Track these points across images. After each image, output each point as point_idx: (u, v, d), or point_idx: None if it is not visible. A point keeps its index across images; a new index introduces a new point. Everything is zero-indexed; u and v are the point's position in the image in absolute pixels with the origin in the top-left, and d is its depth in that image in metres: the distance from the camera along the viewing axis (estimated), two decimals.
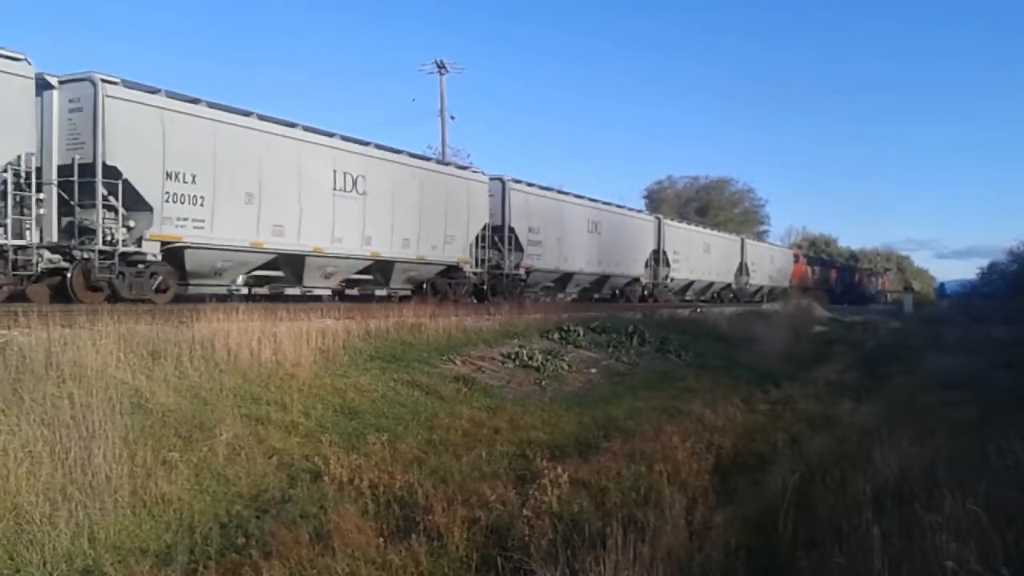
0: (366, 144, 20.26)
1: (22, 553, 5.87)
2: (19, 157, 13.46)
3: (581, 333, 19.26)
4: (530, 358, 15.72)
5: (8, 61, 13.23)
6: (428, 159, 23.77)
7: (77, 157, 14.15)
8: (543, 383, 14.67)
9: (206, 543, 6.45)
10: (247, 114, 17.24)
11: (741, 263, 47.56)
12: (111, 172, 14.24)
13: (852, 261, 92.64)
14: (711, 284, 43.73)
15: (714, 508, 7.52)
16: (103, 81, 14.21)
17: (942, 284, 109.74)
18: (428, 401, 11.78)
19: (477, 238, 24.34)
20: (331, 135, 19.25)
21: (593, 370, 16.89)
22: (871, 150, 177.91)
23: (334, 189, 18.91)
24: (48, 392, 7.84)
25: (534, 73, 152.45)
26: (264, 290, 18.61)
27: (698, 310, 31.51)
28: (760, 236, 71.45)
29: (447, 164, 24.17)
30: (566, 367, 16.08)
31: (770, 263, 53.72)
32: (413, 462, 8.88)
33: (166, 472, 7.31)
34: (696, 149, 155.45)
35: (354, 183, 19.45)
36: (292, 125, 18.33)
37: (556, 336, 18.68)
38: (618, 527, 6.10)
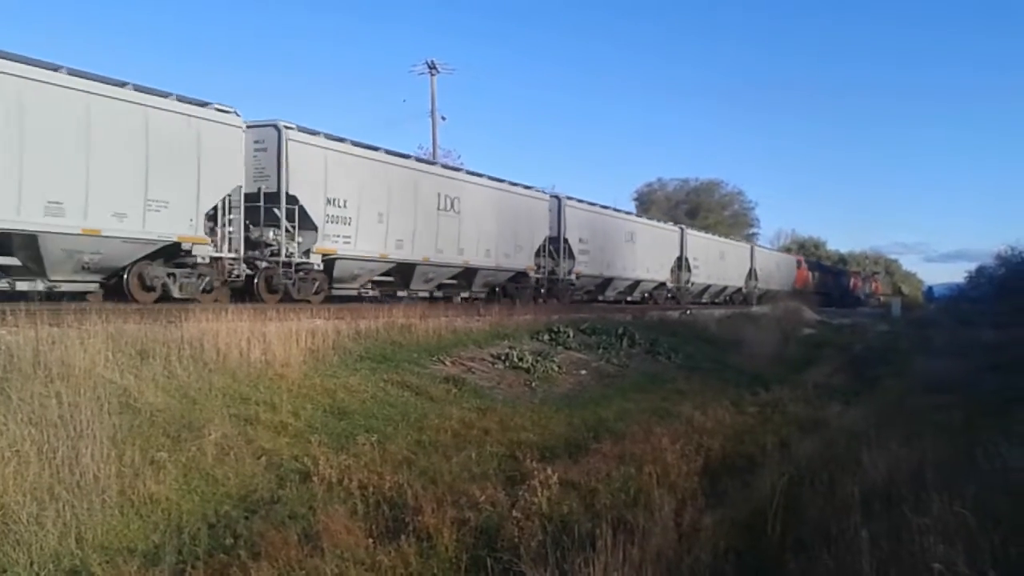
0: (459, 170, 24.74)
1: (9, 553, 5.84)
2: (233, 189, 16.69)
3: (571, 335, 19.28)
4: (520, 359, 15.72)
5: (226, 114, 16.49)
6: (502, 180, 26.44)
7: (263, 187, 17.66)
8: (533, 384, 14.68)
9: (194, 543, 6.43)
10: (376, 148, 20.97)
11: (751, 269, 50.22)
12: (291, 199, 17.89)
13: (841, 264, 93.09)
14: (725, 288, 46.71)
15: (703, 510, 7.54)
16: (285, 127, 17.81)
17: (930, 287, 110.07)
18: (418, 402, 11.77)
19: (539, 248, 28.01)
20: (433, 163, 23.97)
21: (583, 372, 16.91)
22: (861, 153, 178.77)
23: (438, 209, 22.68)
24: (36, 391, 7.80)
25: (525, 74, 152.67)
26: (375, 292, 21.99)
27: (688, 312, 31.61)
28: (749, 238, 71.83)
29: (516, 185, 27.10)
30: (556, 368, 16.10)
31: (776, 269, 56.44)
32: (403, 463, 8.87)
33: (154, 472, 7.29)
34: (686, 151, 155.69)
35: (451, 203, 23.16)
36: (407, 156, 22.80)
37: (546, 337, 18.70)
38: (608, 528, 6.12)
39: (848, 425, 12.04)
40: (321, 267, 18.86)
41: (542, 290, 28.47)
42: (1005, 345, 24.27)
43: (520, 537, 6.57)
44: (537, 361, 15.91)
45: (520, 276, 26.97)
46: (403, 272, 21.94)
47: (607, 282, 33.08)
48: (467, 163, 42.46)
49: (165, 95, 15.26)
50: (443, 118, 41.77)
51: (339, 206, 19.09)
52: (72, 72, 13.77)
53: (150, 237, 14.97)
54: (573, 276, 29.79)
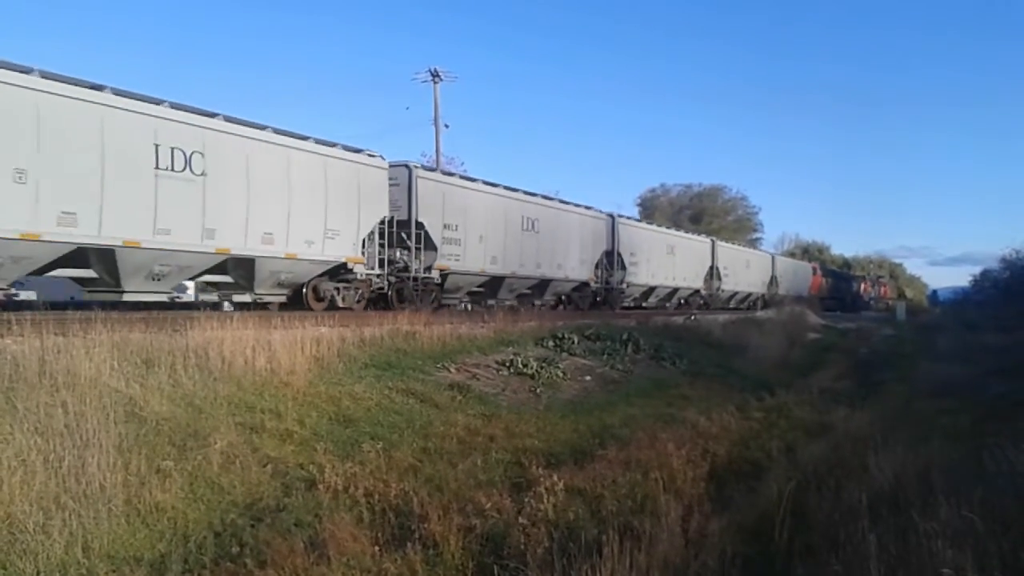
0: (535, 195, 27.56)
1: (15, 563, 5.84)
2: (382, 219, 20.30)
3: (576, 341, 19.27)
4: (525, 365, 15.70)
5: (374, 158, 20.25)
6: (567, 202, 29.88)
7: (396, 216, 20.94)
8: (538, 391, 14.65)
9: (200, 552, 6.43)
10: (474, 180, 24.75)
11: (772, 276, 53.12)
12: (419, 226, 21.39)
13: (846, 268, 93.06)
14: (750, 294, 49.78)
15: (710, 516, 7.53)
16: (414, 167, 21.67)
17: (935, 291, 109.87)
18: (423, 409, 11.75)
19: (598, 261, 31.24)
20: (515, 190, 26.08)
21: (588, 377, 16.88)
22: (865, 157, 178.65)
23: (522, 230, 26.02)
24: (42, 401, 7.80)
25: (527, 81, 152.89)
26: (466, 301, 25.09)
27: (692, 317, 31.59)
28: (753, 243, 72.07)
29: (579, 206, 30.42)
30: (561, 374, 16.07)
31: (793, 276, 59.78)
32: (408, 470, 8.87)
33: (160, 481, 7.28)
34: (689, 156, 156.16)
35: (532, 224, 26.51)
36: (495, 185, 25.41)
37: (551, 344, 18.68)
38: (614, 535, 6.12)
39: (854, 430, 11.98)
40: (439, 281, 22.27)
41: (598, 298, 31.56)
42: (1011, 349, 24.18)
43: (526, 544, 6.57)
44: (542, 367, 15.88)
45: (582, 286, 30.28)
46: (493, 284, 25.25)
47: (651, 290, 36.42)
48: (470, 170, 42.64)
49: (333, 144, 19.03)
50: (446, 126, 41.83)
51: (452, 229, 22.60)
52: (276, 131, 17.36)
53: (327, 259, 18.65)
54: (624, 285, 33.11)
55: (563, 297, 29.82)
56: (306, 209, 17.89)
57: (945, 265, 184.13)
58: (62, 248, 13.47)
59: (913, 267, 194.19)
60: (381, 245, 20.38)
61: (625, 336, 21.17)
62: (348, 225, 19.12)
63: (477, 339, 17.13)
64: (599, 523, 7.13)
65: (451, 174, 23.52)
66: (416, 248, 21.23)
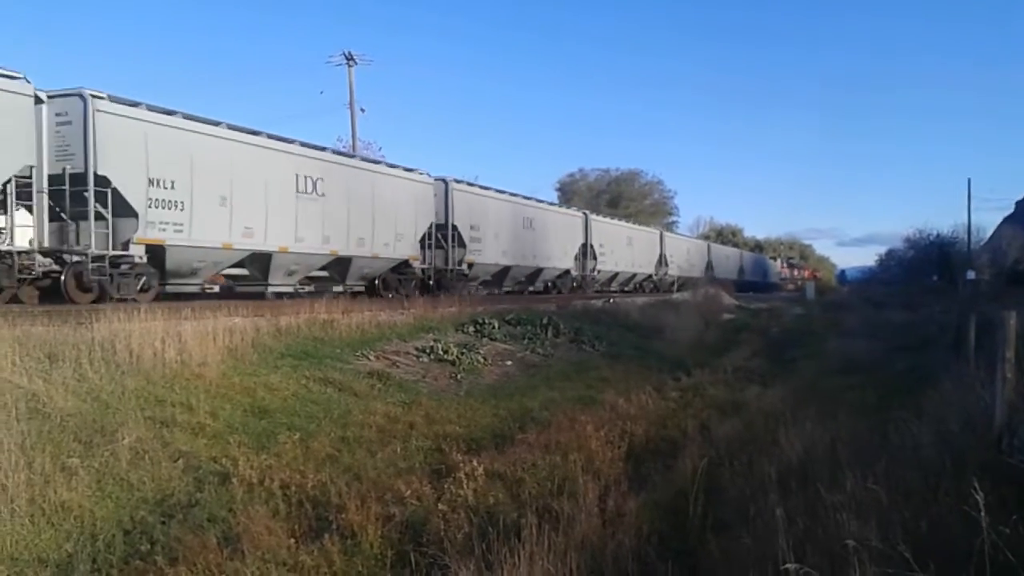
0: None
1: None
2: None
3: (496, 326, 19.30)
4: (445, 352, 15.67)
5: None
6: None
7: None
8: (459, 376, 14.64)
9: (109, 551, 6.25)
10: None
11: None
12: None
13: (757, 250, 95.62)
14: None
15: (627, 495, 7.62)
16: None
17: (843, 271, 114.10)
18: (341, 398, 11.63)
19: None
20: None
21: (509, 362, 16.94)
22: (777, 140, 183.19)
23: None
24: None
25: (447, 66, 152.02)
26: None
27: (611, 301, 31.94)
28: (671, 227, 73.48)
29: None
30: (481, 360, 16.09)
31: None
32: (326, 460, 8.77)
33: (66, 479, 7.04)
34: (608, 142, 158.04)
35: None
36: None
37: (471, 329, 18.68)
38: (533, 517, 6.15)
39: (766, 407, 12.28)
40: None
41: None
42: (915, 325, 25.15)
43: (446, 530, 6.55)
44: (462, 353, 15.87)
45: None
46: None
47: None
48: (388, 155, 42.18)
49: None
50: (362, 110, 41.43)
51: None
52: None
53: None
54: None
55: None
56: None
57: (852, 245, 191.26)
58: None
59: (822, 248, 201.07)
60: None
61: (545, 320, 21.31)
62: None
63: (397, 326, 17.01)
64: (519, 506, 7.14)
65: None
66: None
